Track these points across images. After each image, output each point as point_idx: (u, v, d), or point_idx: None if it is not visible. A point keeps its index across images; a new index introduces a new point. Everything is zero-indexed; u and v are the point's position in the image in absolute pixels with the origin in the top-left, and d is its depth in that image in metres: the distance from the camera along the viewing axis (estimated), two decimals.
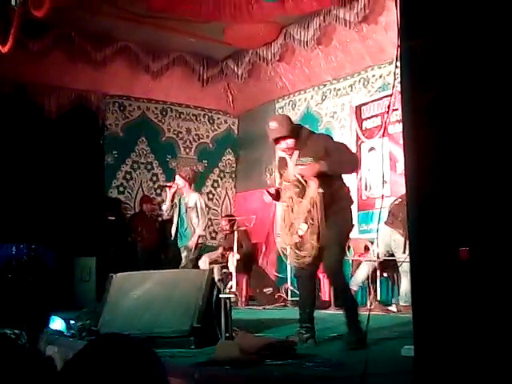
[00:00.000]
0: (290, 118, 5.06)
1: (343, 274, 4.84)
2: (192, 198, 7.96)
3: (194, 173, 8.58)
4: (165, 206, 8.12)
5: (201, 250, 8.20)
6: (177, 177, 8.08)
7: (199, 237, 7.95)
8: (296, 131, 4.83)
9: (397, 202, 7.73)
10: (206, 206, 8.46)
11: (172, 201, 7.98)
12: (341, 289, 4.84)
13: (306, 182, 4.64)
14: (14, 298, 6.90)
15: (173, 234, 8.07)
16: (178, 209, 7.98)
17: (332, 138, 5.13)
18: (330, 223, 4.60)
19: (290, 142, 4.79)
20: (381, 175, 9.33)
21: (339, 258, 4.77)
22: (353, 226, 5.06)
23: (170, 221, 11.21)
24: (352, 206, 4.98)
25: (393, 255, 8.00)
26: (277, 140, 4.81)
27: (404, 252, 7.64)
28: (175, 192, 7.95)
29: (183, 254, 7.96)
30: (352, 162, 4.96)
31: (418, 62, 2.65)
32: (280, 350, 3.90)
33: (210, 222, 12.39)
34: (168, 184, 8.26)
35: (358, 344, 4.30)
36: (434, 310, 2.52)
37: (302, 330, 4.71)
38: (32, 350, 1.83)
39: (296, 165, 4.73)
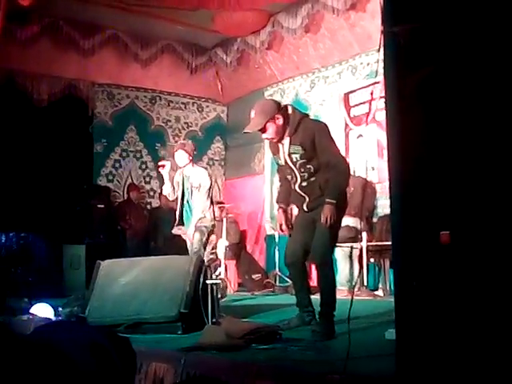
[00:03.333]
0: (270, 104, 4.77)
1: (332, 264, 4.66)
2: (197, 176, 6.64)
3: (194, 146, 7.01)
4: (166, 190, 6.74)
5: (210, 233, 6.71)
6: (178, 153, 6.67)
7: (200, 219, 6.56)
8: (276, 118, 4.56)
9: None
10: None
11: (172, 181, 6.71)
12: (327, 280, 4.57)
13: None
14: (3, 286, 6.91)
15: (177, 219, 6.71)
16: (181, 190, 6.68)
17: (323, 130, 4.66)
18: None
19: (272, 131, 4.60)
20: (367, 161, 9.37)
21: (331, 245, 4.65)
22: (344, 212, 4.79)
23: (159, 208, 11.32)
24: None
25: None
26: (259, 130, 4.63)
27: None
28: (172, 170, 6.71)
29: (195, 239, 6.51)
30: (345, 174, 4.64)
31: (402, 48, 2.67)
32: (266, 335, 3.94)
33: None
34: (160, 163, 6.80)
35: (325, 336, 4.19)
36: (416, 294, 2.55)
37: (303, 313, 4.75)
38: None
39: (289, 154, 4.56)
